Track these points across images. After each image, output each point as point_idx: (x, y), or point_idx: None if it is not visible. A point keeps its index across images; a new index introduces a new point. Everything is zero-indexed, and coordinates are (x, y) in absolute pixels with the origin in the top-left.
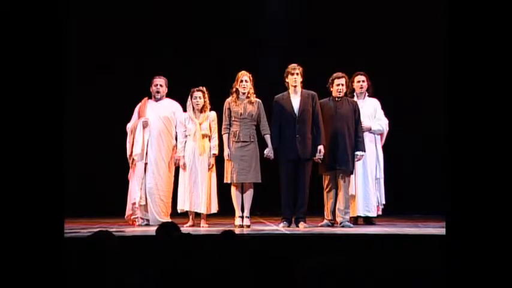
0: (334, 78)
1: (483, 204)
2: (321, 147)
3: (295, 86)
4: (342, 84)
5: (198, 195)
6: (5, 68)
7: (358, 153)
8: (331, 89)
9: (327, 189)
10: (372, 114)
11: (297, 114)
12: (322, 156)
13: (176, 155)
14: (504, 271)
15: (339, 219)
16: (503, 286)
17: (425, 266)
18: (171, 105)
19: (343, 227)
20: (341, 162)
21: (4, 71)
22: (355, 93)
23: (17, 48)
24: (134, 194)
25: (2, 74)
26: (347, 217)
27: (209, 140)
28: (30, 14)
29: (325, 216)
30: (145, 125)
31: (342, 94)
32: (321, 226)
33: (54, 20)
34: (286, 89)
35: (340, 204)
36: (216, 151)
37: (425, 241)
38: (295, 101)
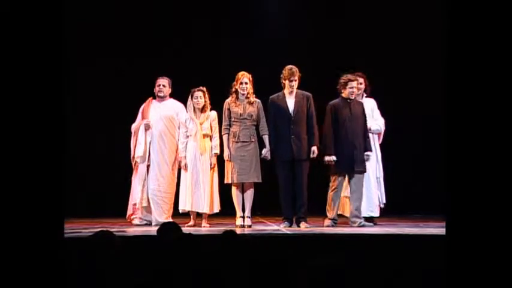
0: (348, 81)
1: (483, 204)
2: (314, 148)
3: (291, 92)
4: (355, 87)
5: (200, 195)
6: (7, 74)
7: (369, 153)
8: (343, 90)
9: (336, 190)
10: (370, 115)
11: (292, 115)
12: (315, 157)
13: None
14: (504, 271)
15: (357, 220)
16: (503, 286)
17: (425, 266)
18: (174, 106)
19: (363, 226)
20: (359, 163)
21: (5, 76)
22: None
23: (16, 53)
24: (136, 195)
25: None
26: (362, 217)
27: (210, 139)
28: (29, 15)
29: (329, 216)
30: (147, 128)
31: (353, 96)
32: (327, 226)
33: (53, 22)
34: (281, 88)
35: (357, 205)
36: (217, 150)
37: (426, 241)
38: (290, 102)
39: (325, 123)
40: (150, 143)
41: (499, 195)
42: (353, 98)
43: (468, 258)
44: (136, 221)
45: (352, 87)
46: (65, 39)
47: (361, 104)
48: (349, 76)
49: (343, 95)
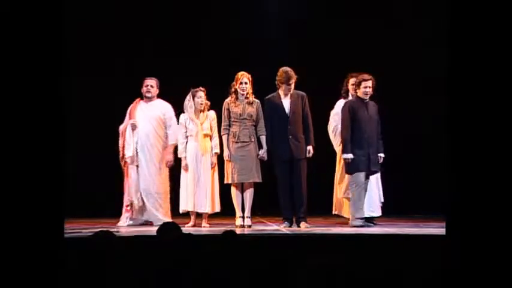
0: (362, 81)
1: (483, 204)
2: (310, 148)
3: (286, 94)
4: (370, 87)
5: (202, 195)
6: (6, 74)
7: (382, 154)
8: (357, 90)
9: (357, 187)
10: None
11: (288, 115)
12: (310, 157)
13: (168, 157)
14: (504, 271)
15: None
16: (503, 286)
17: (425, 266)
18: (161, 106)
19: (363, 226)
20: (375, 164)
21: (5, 76)
22: (350, 94)
23: (16, 54)
24: (128, 196)
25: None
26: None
27: (210, 139)
28: (29, 15)
29: (357, 216)
30: (133, 128)
31: (368, 96)
32: (360, 226)
33: (53, 22)
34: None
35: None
36: (217, 150)
37: (426, 241)
38: (286, 102)
39: (343, 122)
40: (137, 143)
41: (499, 196)
42: (367, 98)
43: (468, 258)
44: (121, 222)
45: (366, 87)
46: (64, 39)
47: (376, 105)
48: (364, 76)
49: (358, 94)
